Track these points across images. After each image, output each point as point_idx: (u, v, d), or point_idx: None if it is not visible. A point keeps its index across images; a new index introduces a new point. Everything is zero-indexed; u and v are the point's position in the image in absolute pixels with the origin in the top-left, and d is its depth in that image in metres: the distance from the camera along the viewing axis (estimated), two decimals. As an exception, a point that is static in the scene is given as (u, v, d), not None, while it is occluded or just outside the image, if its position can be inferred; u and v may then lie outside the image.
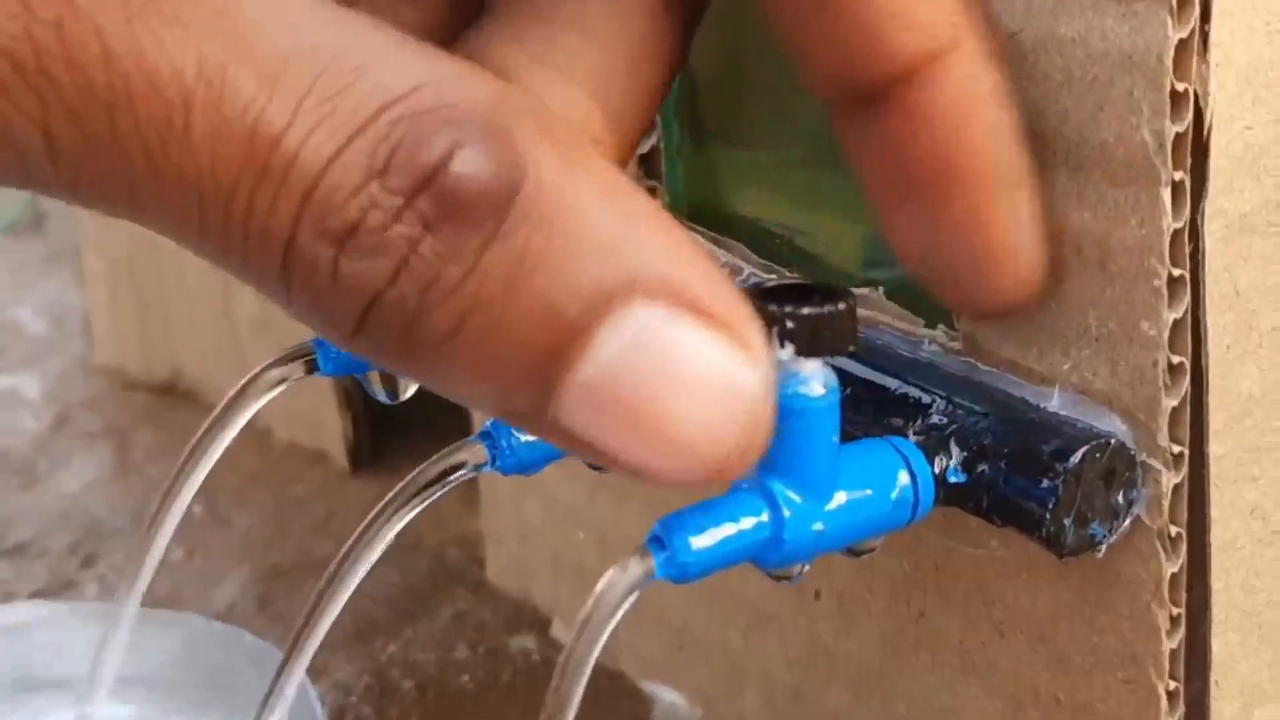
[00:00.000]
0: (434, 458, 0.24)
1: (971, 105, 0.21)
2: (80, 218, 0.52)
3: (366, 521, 0.24)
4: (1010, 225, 0.22)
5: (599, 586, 0.21)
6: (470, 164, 0.16)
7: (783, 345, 0.21)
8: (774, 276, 0.30)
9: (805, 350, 0.21)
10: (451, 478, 0.24)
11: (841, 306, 0.22)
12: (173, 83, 0.16)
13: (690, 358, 0.17)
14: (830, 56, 0.21)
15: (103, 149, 0.16)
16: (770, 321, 0.21)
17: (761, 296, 0.21)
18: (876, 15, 0.20)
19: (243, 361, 0.47)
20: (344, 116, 0.16)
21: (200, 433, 0.29)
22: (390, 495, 0.24)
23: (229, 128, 0.16)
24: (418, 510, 0.24)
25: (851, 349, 0.22)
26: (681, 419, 0.17)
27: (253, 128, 0.16)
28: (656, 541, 0.22)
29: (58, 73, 0.16)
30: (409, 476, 0.24)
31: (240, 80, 0.16)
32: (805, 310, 0.21)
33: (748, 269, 0.30)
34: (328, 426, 0.45)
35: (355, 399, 0.45)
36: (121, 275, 0.51)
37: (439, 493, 0.24)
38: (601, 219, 0.17)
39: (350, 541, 0.24)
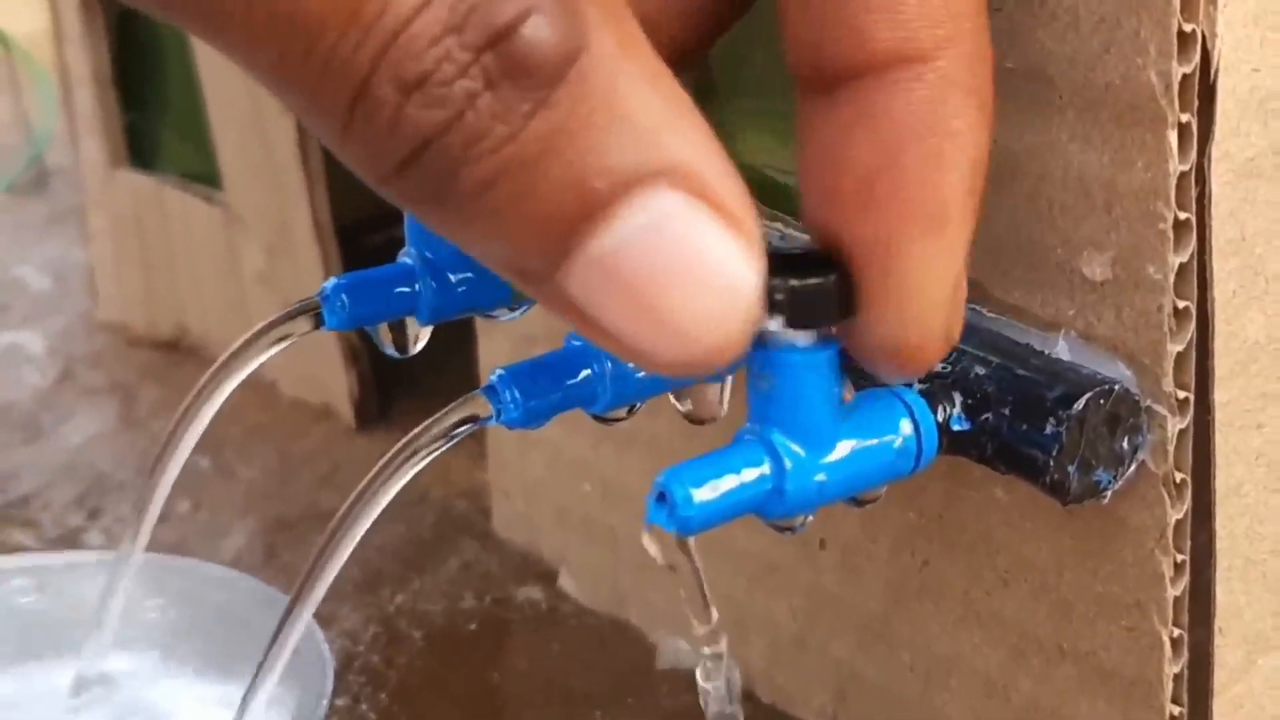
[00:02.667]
0: (440, 413, 0.24)
1: (921, 126, 0.20)
2: (84, 175, 0.52)
3: (373, 473, 0.24)
4: (916, 269, 0.20)
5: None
6: (538, 30, 0.17)
7: (771, 316, 0.21)
8: (778, 225, 0.30)
9: (798, 321, 0.21)
10: (457, 431, 0.24)
11: (833, 276, 0.21)
12: None
13: (701, 249, 0.18)
14: (808, 32, 0.21)
15: None
16: (770, 293, 0.20)
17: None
18: (860, 4, 0.20)
19: (247, 317, 0.47)
20: None
21: (202, 382, 0.29)
22: (396, 448, 0.24)
23: None
24: (424, 463, 0.24)
25: (846, 318, 0.21)
26: (683, 304, 0.18)
27: None
28: (660, 496, 0.22)
29: None
30: (415, 430, 0.24)
31: None
32: (794, 282, 0.21)
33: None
34: (333, 382, 0.45)
35: (360, 355, 0.45)
36: (126, 231, 0.51)
37: (445, 446, 0.24)
38: (642, 104, 0.18)
39: (356, 492, 0.24)
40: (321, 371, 0.45)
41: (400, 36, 0.17)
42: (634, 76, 0.18)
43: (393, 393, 0.45)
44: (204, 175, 0.48)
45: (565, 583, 0.37)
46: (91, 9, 0.49)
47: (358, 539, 0.25)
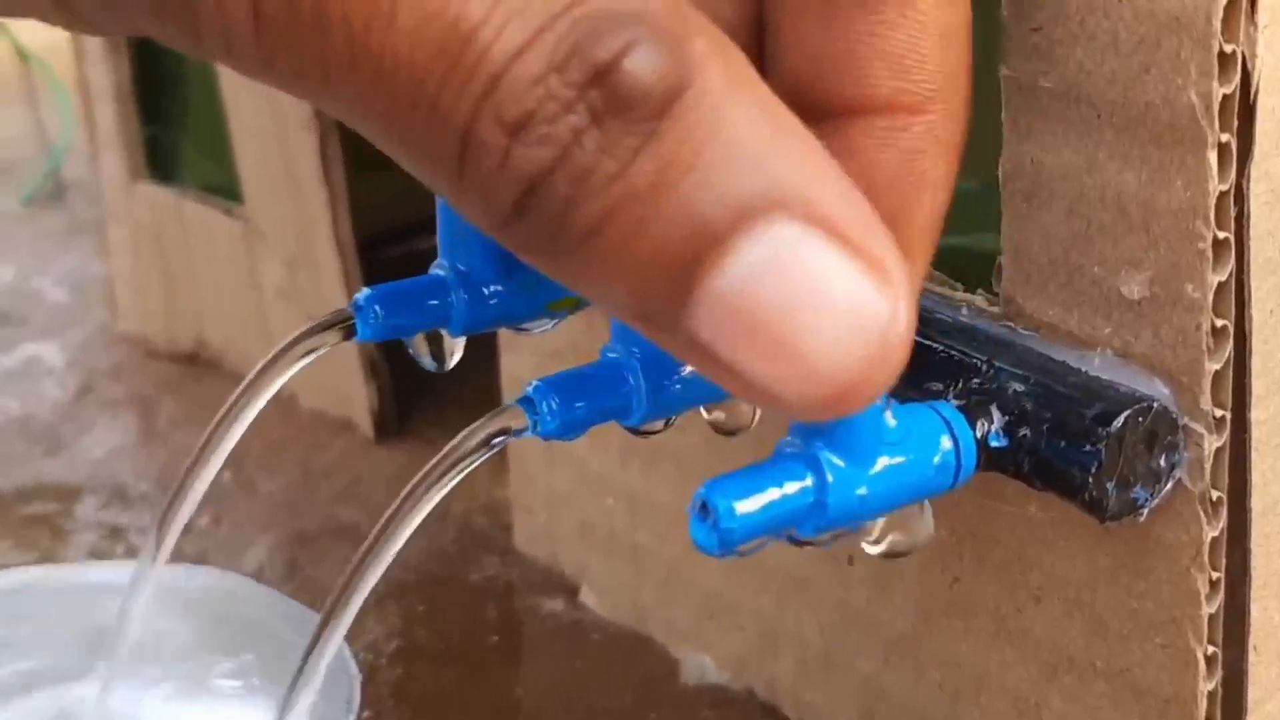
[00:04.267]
0: (475, 424, 0.24)
1: (900, 173, 0.21)
2: (104, 188, 0.52)
3: (410, 487, 0.24)
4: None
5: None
6: (641, 63, 0.17)
7: None
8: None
9: None
10: (494, 442, 0.24)
11: None
12: None
13: (826, 279, 0.18)
14: (805, 65, 0.21)
15: (306, 29, 0.17)
16: None
17: None
18: (860, 43, 0.20)
19: (267, 331, 0.47)
20: (534, 12, 0.17)
21: (233, 398, 0.29)
22: (434, 461, 0.24)
23: (430, 19, 0.17)
24: (461, 476, 0.24)
25: None
26: (811, 339, 0.18)
27: (454, 20, 0.17)
28: (702, 508, 0.22)
29: None
30: (452, 442, 0.24)
31: None
32: None
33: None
34: (353, 395, 0.45)
35: (380, 368, 0.45)
36: (146, 244, 0.51)
37: (483, 457, 0.24)
38: (755, 134, 0.17)
39: (393, 507, 0.24)
40: (342, 385, 0.45)
41: (502, 79, 0.17)
42: (743, 105, 0.17)
43: (413, 406, 0.45)
44: (224, 189, 0.48)
45: (587, 598, 0.37)
46: (114, 23, 0.49)
47: (394, 554, 0.25)
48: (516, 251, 0.18)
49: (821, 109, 0.21)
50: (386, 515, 0.24)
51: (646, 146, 0.17)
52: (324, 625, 0.25)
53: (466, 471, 0.24)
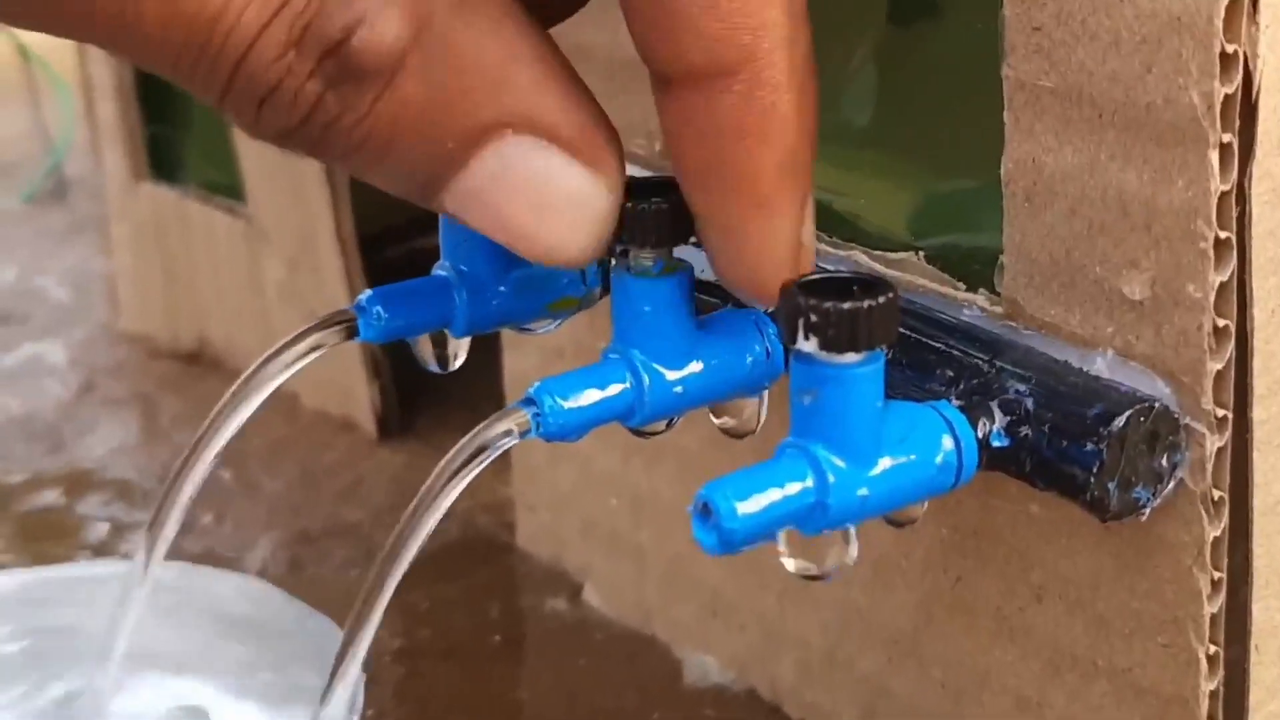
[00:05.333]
0: (479, 426, 0.24)
1: (735, 128, 0.23)
2: (106, 187, 0.52)
3: (421, 494, 0.24)
4: (752, 239, 0.23)
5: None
6: (365, 37, 0.20)
7: (807, 338, 0.22)
8: (825, 249, 0.30)
9: (845, 345, 0.22)
10: (501, 443, 0.24)
11: (882, 300, 0.22)
12: None
13: (546, 180, 0.22)
14: (639, 39, 0.23)
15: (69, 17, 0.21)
16: (804, 315, 0.21)
17: (800, 290, 0.22)
18: (670, 18, 0.22)
19: (269, 329, 0.47)
20: None
21: (229, 394, 0.28)
22: (441, 465, 0.24)
23: (175, 10, 0.20)
24: (469, 478, 0.24)
25: (880, 344, 0.22)
26: (539, 227, 0.22)
27: (195, 11, 0.20)
28: (704, 508, 0.22)
29: None
30: (458, 445, 0.24)
31: None
32: (845, 305, 0.21)
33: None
34: (356, 395, 0.45)
35: (383, 368, 0.45)
36: (148, 243, 0.51)
37: (490, 458, 0.24)
38: (484, 62, 0.21)
39: (407, 514, 0.24)
40: (344, 384, 0.45)
41: (245, 60, 0.20)
42: (474, 38, 0.21)
43: (415, 405, 0.46)
44: (226, 188, 0.48)
45: (590, 596, 0.37)
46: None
47: (408, 561, 0.25)
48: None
49: (660, 79, 0.23)
50: (402, 523, 0.25)
51: (383, 96, 0.21)
52: (350, 637, 0.25)
53: (472, 476, 0.24)
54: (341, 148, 0.21)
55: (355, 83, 0.20)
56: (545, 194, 0.22)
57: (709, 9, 0.22)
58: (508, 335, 0.37)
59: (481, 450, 0.24)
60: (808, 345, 0.22)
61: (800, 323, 0.22)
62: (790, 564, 0.23)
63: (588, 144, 0.22)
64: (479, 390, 0.40)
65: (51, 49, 0.70)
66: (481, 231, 0.22)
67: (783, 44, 0.22)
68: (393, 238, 0.49)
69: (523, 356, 0.37)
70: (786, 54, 0.22)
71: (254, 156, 0.46)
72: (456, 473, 0.24)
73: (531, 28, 0.22)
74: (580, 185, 0.22)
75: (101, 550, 0.40)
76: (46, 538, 0.41)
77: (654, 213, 0.24)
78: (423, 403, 0.46)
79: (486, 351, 0.37)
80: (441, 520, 0.40)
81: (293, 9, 0.20)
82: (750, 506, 0.22)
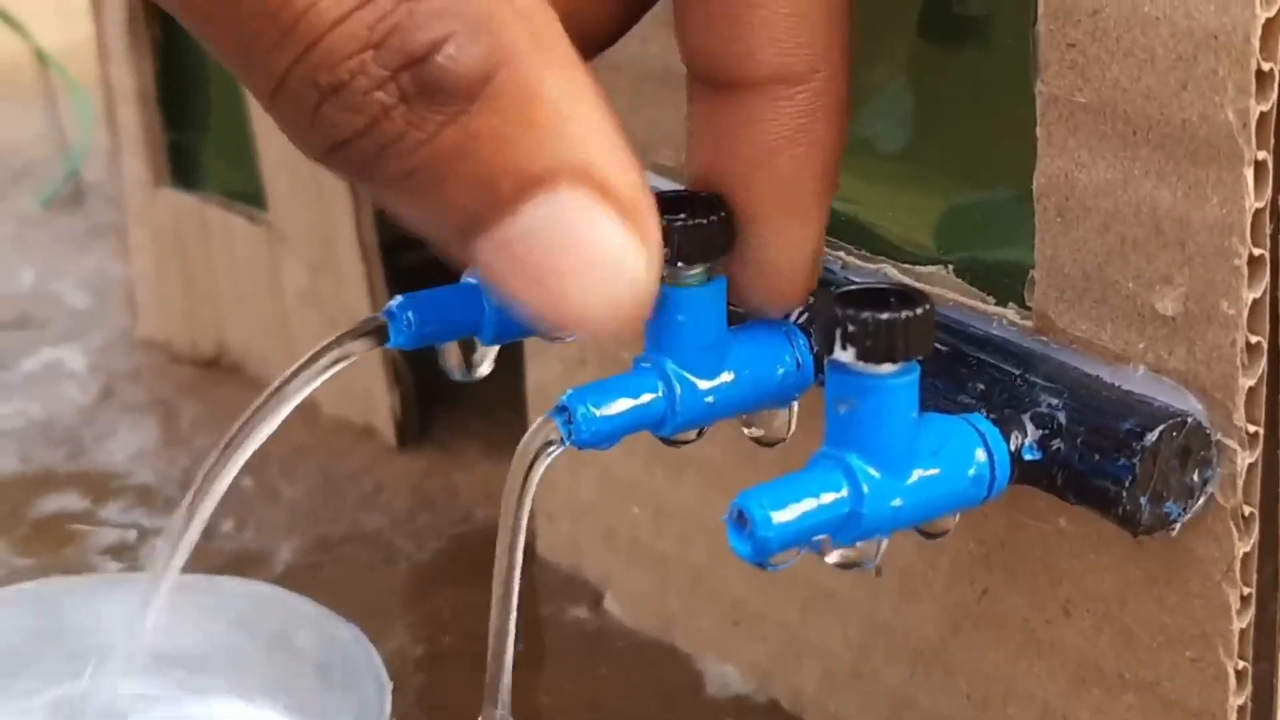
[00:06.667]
0: (522, 445, 0.25)
1: (793, 135, 0.23)
2: (126, 193, 0.53)
3: (500, 532, 0.25)
4: (783, 244, 0.24)
5: None
6: (453, 56, 0.19)
7: (844, 348, 0.22)
8: (839, 254, 0.30)
9: (882, 356, 0.22)
10: (548, 454, 0.25)
11: (919, 312, 0.22)
12: None
13: (592, 238, 0.21)
14: (703, 43, 0.23)
15: None
16: (841, 325, 0.22)
17: (838, 301, 0.22)
18: (748, 26, 0.23)
19: (289, 336, 0.47)
20: None
21: (258, 403, 0.29)
22: (505, 497, 0.25)
23: None
24: (530, 496, 0.25)
25: (915, 356, 0.22)
26: (575, 286, 0.21)
27: None
28: (739, 516, 0.22)
29: None
30: (510, 473, 0.25)
31: None
32: (883, 315, 0.22)
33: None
34: (376, 402, 0.45)
35: (403, 375, 0.45)
36: (168, 249, 0.51)
37: (540, 470, 0.25)
38: (553, 109, 0.20)
39: (498, 552, 0.25)
40: (364, 391, 0.45)
41: (317, 47, 0.19)
42: (546, 84, 0.20)
43: (434, 413, 0.46)
44: (246, 194, 0.48)
45: (611, 605, 0.37)
46: (136, 26, 0.49)
47: (516, 596, 0.26)
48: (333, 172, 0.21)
49: (721, 82, 0.23)
50: (498, 562, 0.26)
51: (454, 122, 0.20)
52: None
53: (534, 490, 0.25)
54: (394, 171, 0.20)
55: (430, 101, 0.19)
56: (589, 253, 0.20)
57: (790, 18, 0.22)
58: (530, 345, 0.38)
59: (531, 467, 0.24)
60: (845, 355, 0.22)
61: (838, 333, 0.22)
62: (831, 557, 0.23)
63: (637, 209, 0.21)
64: (498, 398, 0.40)
65: (69, 54, 0.70)
66: (508, 289, 0.21)
67: (842, 58, 0.23)
68: (411, 243, 0.49)
69: (545, 366, 0.37)
70: (843, 68, 0.23)
71: (275, 163, 0.46)
72: (520, 499, 0.24)
73: (596, 80, 0.21)
74: (624, 250, 0.21)
75: (123, 555, 0.40)
76: (68, 542, 0.41)
77: (707, 229, 0.24)
78: (442, 410, 0.46)
79: (506, 360, 0.37)
80: (463, 528, 0.41)
81: (379, 7, 0.19)
82: (785, 515, 0.22)
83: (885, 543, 0.23)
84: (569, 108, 0.20)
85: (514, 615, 0.25)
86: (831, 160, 0.24)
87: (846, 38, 0.24)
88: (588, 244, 0.20)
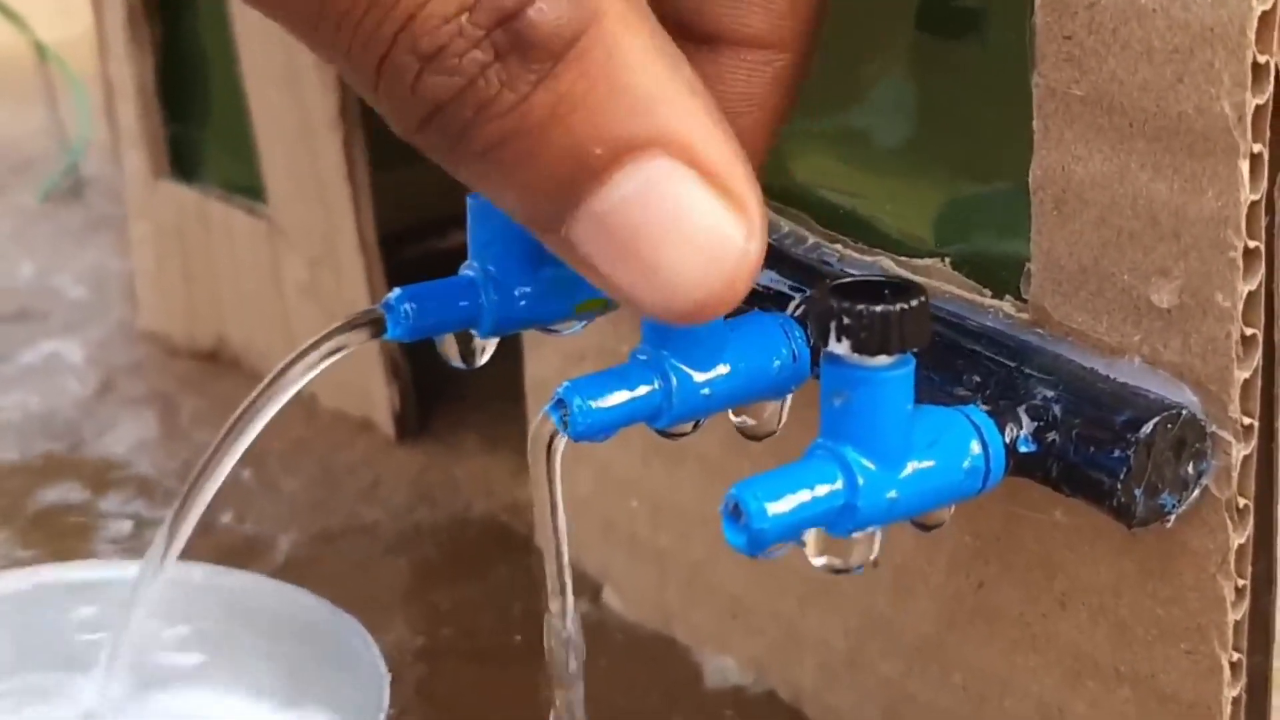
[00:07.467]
0: (531, 442, 0.25)
1: (758, 99, 0.24)
2: (126, 186, 0.53)
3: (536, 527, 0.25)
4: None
5: None
6: (544, 11, 0.19)
7: (839, 340, 0.22)
8: (837, 247, 0.30)
9: (877, 348, 0.22)
10: (556, 449, 0.25)
11: (914, 304, 0.22)
12: None
13: (689, 211, 0.20)
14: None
15: None
16: (836, 317, 0.22)
17: (833, 293, 0.22)
18: None
19: (289, 329, 0.47)
20: None
21: (254, 394, 0.29)
22: (533, 481, 0.25)
23: None
24: (558, 487, 0.26)
25: (912, 346, 0.22)
26: (670, 261, 0.20)
27: None
28: (734, 508, 0.22)
29: None
30: (531, 475, 0.25)
31: None
32: (878, 308, 0.22)
33: (811, 238, 0.30)
34: (374, 395, 0.45)
35: (402, 369, 0.45)
36: (168, 242, 0.51)
37: (557, 461, 0.25)
38: (644, 76, 0.20)
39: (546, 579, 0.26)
40: (363, 384, 0.45)
41: (418, 15, 0.19)
42: (637, 50, 0.20)
43: (433, 406, 0.46)
44: (247, 187, 0.48)
45: (610, 598, 0.37)
46: (136, 20, 0.50)
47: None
48: (424, 152, 0.20)
49: (702, 35, 0.23)
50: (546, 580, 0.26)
51: (544, 83, 0.20)
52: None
53: (558, 476, 0.26)
54: (487, 138, 0.20)
55: (522, 58, 0.19)
56: (686, 225, 0.20)
57: None
58: (529, 338, 0.38)
59: (549, 458, 0.25)
60: (839, 348, 0.22)
61: (832, 325, 0.22)
62: (818, 560, 0.23)
63: (735, 181, 0.20)
64: (497, 391, 0.40)
65: (69, 47, 0.70)
66: (599, 271, 0.21)
67: (817, 38, 0.24)
68: (411, 238, 0.49)
69: (544, 359, 0.37)
70: (814, 47, 0.24)
71: (275, 156, 0.46)
72: (551, 490, 0.26)
73: (681, 51, 0.21)
74: (724, 224, 0.20)
75: (123, 546, 0.41)
76: (69, 534, 0.41)
77: None
78: (440, 403, 0.46)
79: (505, 354, 0.37)
80: (460, 519, 0.41)
81: None
82: (780, 507, 0.22)
83: (877, 546, 0.23)
84: (659, 75, 0.20)
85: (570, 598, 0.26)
86: (776, 132, 0.25)
87: (822, 18, 0.24)
88: (683, 214, 0.20)
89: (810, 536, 0.23)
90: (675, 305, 0.21)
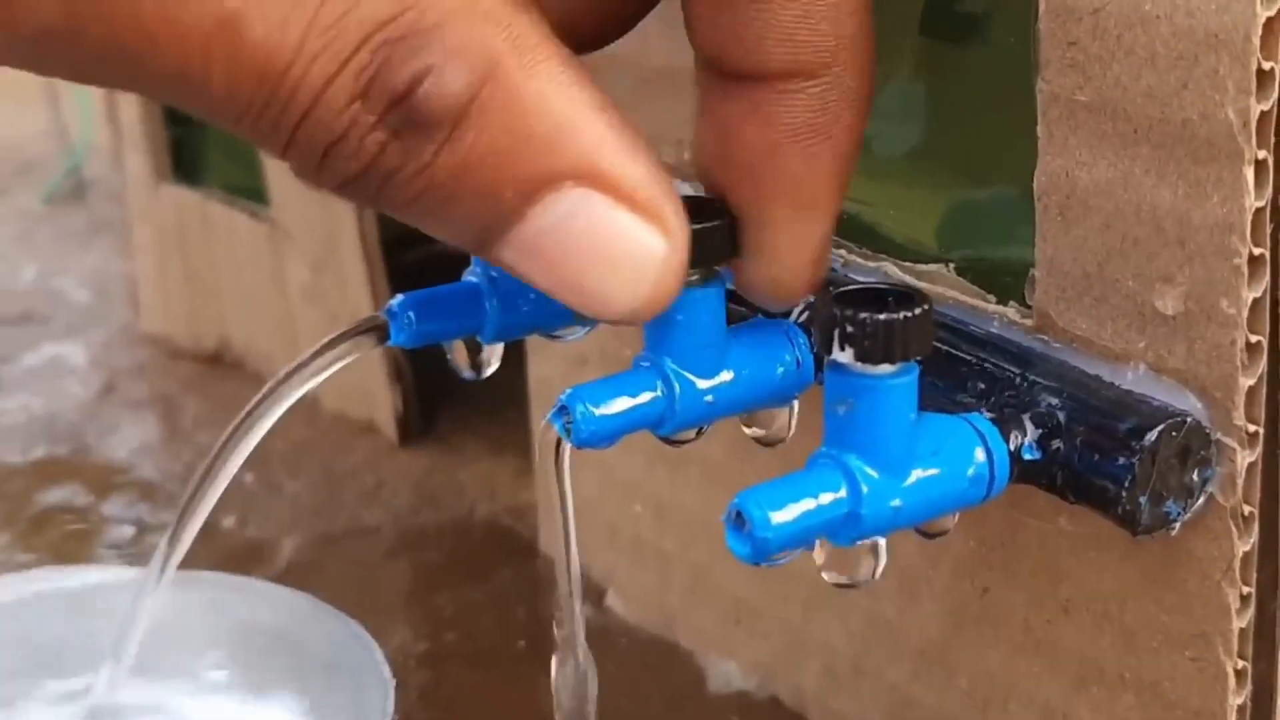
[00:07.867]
0: (539, 443, 0.25)
1: (802, 128, 0.23)
2: (128, 189, 0.53)
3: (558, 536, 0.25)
4: (786, 236, 0.24)
5: None
6: (434, 87, 0.20)
7: (843, 348, 0.22)
8: (841, 253, 0.30)
9: (881, 356, 0.22)
10: (564, 453, 0.25)
11: (917, 312, 0.22)
12: (194, 34, 0.19)
13: (605, 233, 0.21)
14: (714, 35, 0.23)
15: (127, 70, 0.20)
16: (839, 325, 0.22)
17: (836, 301, 0.22)
18: (759, 18, 0.23)
19: (291, 332, 0.47)
20: (341, 42, 0.20)
21: (256, 400, 0.29)
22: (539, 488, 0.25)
23: (243, 69, 0.20)
24: (569, 486, 0.26)
25: (915, 355, 0.22)
26: (596, 280, 0.22)
27: (264, 65, 0.20)
28: (737, 517, 0.22)
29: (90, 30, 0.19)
30: (539, 482, 0.25)
31: (253, 23, 0.19)
32: (881, 316, 0.22)
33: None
34: (377, 398, 0.45)
35: (404, 373, 0.45)
36: (170, 245, 0.51)
37: (566, 464, 0.25)
38: (545, 115, 0.21)
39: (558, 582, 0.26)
40: (365, 388, 0.45)
41: (314, 109, 0.20)
42: (533, 92, 0.20)
43: (435, 409, 0.46)
44: (249, 190, 0.48)
45: (614, 602, 0.37)
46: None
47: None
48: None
49: (730, 73, 0.23)
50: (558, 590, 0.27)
51: (445, 148, 0.20)
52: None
53: (568, 479, 0.26)
54: (401, 198, 0.21)
55: (419, 133, 0.20)
56: (604, 247, 0.21)
57: (802, 18, 0.22)
58: (533, 343, 0.38)
59: (560, 460, 0.25)
60: (843, 356, 0.22)
61: (836, 333, 0.22)
62: (826, 575, 0.23)
63: (648, 198, 0.21)
64: (500, 396, 0.40)
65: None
66: (537, 286, 0.22)
67: (859, 54, 0.23)
68: (413, 241, 0.49)
69: (547, 364, 0.37)
70: (860, 64, 0.23)
71: (278, 160, 0.46)
72: (561, 495, 0.26)
73: (588, 76, 0.21)
74: (640, 239, 0.21)
75: (124, 551, 0.41)
76: (72, 538, 0.41)
77: (714, 234, 0.24)
78: (443, 407, 0.46)
79: (508, 358, 0.37)
80: (465, 522, 0.41)
81: (360, 60, 0.20)
82: (784, 516, 0.22)
83: (883, 560, 0.23)
84: (562, 110, 0.21)
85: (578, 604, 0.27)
86: (843, 156, 0.24)
87: (866, 32, 0.23)
88: (600, 237, 0.21)
89: (821, 550, 0.23)
90: (610, 315, 0.22)
